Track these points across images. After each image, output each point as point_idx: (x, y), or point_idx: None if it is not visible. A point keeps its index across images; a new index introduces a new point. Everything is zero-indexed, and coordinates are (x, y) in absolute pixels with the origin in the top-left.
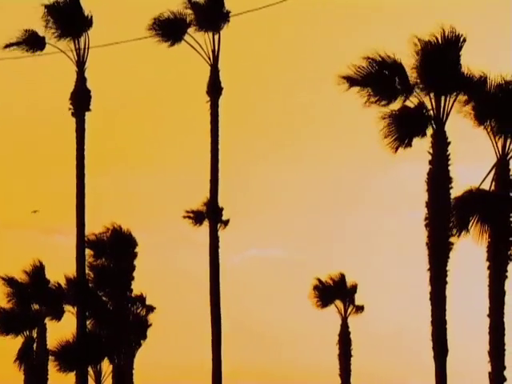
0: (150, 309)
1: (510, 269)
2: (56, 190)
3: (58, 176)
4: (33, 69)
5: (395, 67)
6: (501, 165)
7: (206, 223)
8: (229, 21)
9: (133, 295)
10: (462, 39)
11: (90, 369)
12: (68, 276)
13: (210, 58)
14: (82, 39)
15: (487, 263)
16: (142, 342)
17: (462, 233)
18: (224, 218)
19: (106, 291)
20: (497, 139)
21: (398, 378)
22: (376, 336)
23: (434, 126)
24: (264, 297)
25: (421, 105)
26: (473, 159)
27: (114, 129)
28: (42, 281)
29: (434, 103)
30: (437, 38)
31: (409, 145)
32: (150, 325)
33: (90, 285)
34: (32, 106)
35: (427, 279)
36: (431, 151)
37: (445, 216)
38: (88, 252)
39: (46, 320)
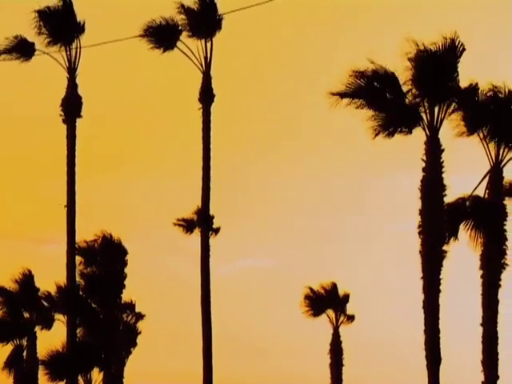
0: (140, 316)
1: (504, 277)
2: (46, 198)
3: (49, 184)
4: (23, 75)
5: (387, 78)
6: (494, 172)
7: (196, 231)
8: (221, 28)
9: (122, 302)
10: (461, 48)
11: (80, 377)
12: (58, 284)
13: (202, 65)
14: (73, 45)
15: (480, 272)
16: (131, 349)
17: (451, 239)
18: (215, 226)
19: (96, 299)
20: (490, 147)
21: None
22: (368, 345)
23: (428, 133)
24: (255, 306)
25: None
26: (467, 167)
27: (106, 136)
28: (32, 289)
29: (427, 110)
30: (436, 47)
31: (391, 134)
32: (140, 332)
33: (81, 293)
34: (22, 112)
35: (420, 288)
36: (425, 158)
37: (438, 224)
38: (78, 260)
39: (37, 329)
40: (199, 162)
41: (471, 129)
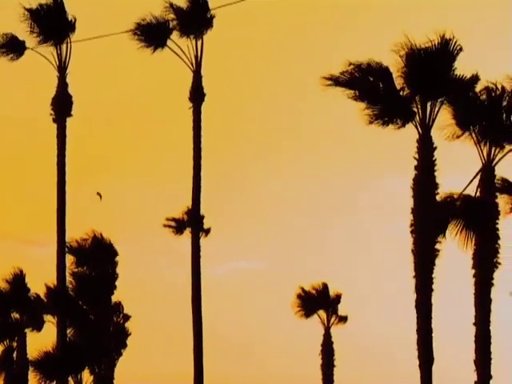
0: (126, 317)
1: (496, 276)
2: (37, 199)
3: (40, 185)
4: (13, 73)
5: (381, 72)
6: (486, 171)
7: (186, 232)
8: (212, 26)
9: (112, 304)
10: (457, 47)
11: (70, 378)
12: (48, 285)
13: (192, 64)
14: (63, 44)
15: (473, 271)
16: (122, 350)
17: (443, 239)
18: (205, 226)
19: (86, 300)
20: (482, 145)
21: None
22: (359, 346)
23: (420, 130)
24: (246, 307)
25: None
26: (458, 166)
27: (96, 135)
28: (23, 288)
29: (420, 108)
30: (429, 44)
31: (386, 124)
32: (130, 334)
33: (71, 293)
34: (12, 111)
35: (412, 288)
36: (417, 156)
37: (430, 222)
38: (69, 259)
39: (27, 331)
40: (190, 162)
41: (463, 127)
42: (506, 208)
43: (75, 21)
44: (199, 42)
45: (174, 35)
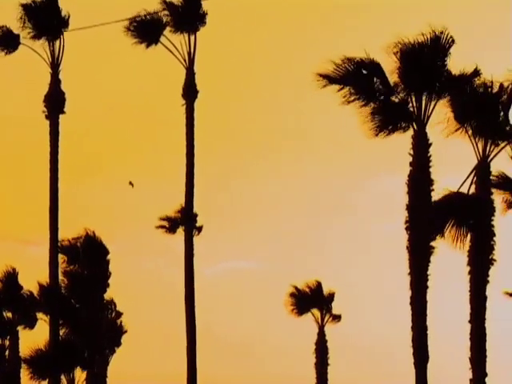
0: (118, 314)
1: (492, 273)
2: (30, 198)
3: (32, 183)
4: (5, 69)
5: (374, 67)
6: (481, 167)
7: (180, 230)
8: (205, 23)
9: (105, 302)
10: (450, 40)
11: (63, 377)
12: (41, 282)
13: (185, 61)
14: (57, 40)
15: (468, 268)
16: (116, 348)
17: (439, 237)
18: (198, 224)
19: (79, 298)
20: (477, 141)
21: None
22: (353, 344)
23: (415, 126)
24: (240, 307)
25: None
26: (454, 162)
27: (88, 133)
28: (15, 287)
29: (414, 104)
30: (422, 39)
31: (392, 131)
32: (125, 331)
33: (64, 291)
34: (4, 108)
35: (407, 286)
36: (412, 152)
37: (425, 219)
38: (62, 258)
39: (19, 329)
40: (183, 160)
41: (459, 123)
42: (501, 204)
43: (69, 17)
44: (192, 38)
45: (167, 31)
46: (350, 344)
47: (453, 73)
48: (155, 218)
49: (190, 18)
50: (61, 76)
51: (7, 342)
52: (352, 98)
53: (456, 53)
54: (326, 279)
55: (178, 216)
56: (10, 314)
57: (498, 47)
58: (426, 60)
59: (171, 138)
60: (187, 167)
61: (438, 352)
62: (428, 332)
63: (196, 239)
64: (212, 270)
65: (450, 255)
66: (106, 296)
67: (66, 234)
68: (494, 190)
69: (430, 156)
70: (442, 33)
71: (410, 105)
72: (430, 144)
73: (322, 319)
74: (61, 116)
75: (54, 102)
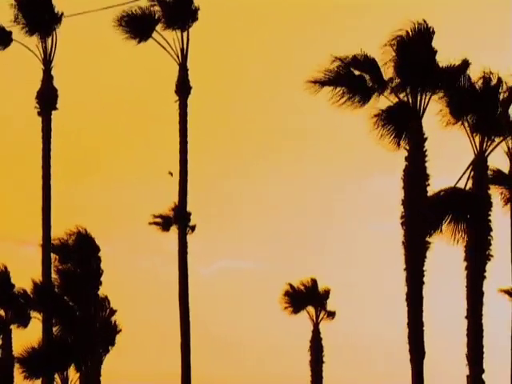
0: (112, 312)
1: (489, 269)
2: (23, 196)
3: (26, 181)
4: None
5: (367, 63)
6: (478, 162)
7: (174, 228)
8: (197, 18)
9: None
10: (431, 31)
11: (56, 376)
12: (34, 280)
13: (178, 57)
14: (49, 37)
15: (465, 263)
16: (110, 347)
17: (435, 233)
18: (191, 223)
19: (72, 296)
20: (474, 136)
21: None
22: (349, 341)
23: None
24: (235, 306)
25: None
26: (451, 157)
27: (81, 130)
28: (7, 284)
29: (410, 99)
30: (407, 32)
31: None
32: (120, 330)
33: (56, 290)
34: None
35: (402, 281)
36: (407, 147)
37: (421, 214)
38: (54, 257)
39: (13, 327)
40: (176, 156)
41: (455, 117)
42: (498, 200)
43: (62, 13)
44: (185, 34)
45: (160, 27)
46: (345, 341)
47: (442, 65)
48: (149, 216)
49: (182, 14)
50: (53, 72)
51: (0, 341)
52: (345, 98)
53: (454, 51)
54: (321, 278)
55: (172, 214)
56: (2, 313)
57: (496, 45)
58: (417, 52)
59: (164, 135)
60: (180, 164)
61: (435, 348)
62: (424, 328)
63: (191, 238)
64: (207, 269)
65: (446, 251)
66: (100, 294)
67: (60, 232)
68: (491, 186)
69: (426, 151)
70: (422, 24)
71: (405, 99)
72: (426, 138)
73: (317, 317)
74: (53, 112)
75: (47, 98)
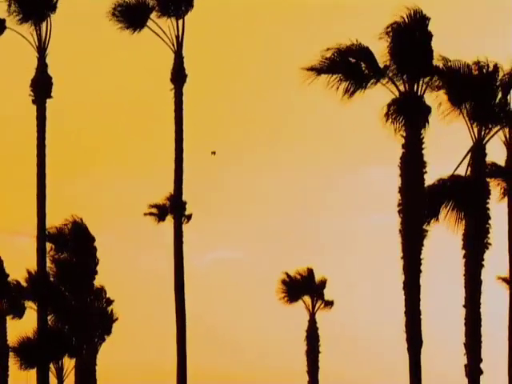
0: (109, 302)
1: (487, 257)
2: (17, 186)
3: (19, 170)
4: None
5: (362, 51)
6: (477, 149)
7: (169, 218)
8: (193, 6)
9: (94, 289)
10: (426, 18)
11: (51, 365)
12: (29, 270)
13: (173, 45)
14: (43, 24)
15: (463, 251)
16: (106, 337)
17: (432, 221)
18: (187, 213)
19: (67, 285)
20: (472, 123)
21: (367, 376)
22: (345, 331)
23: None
24: (230, 296)
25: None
26: (448, 145)
27: (75, 119)
28: (1, 273)
29: (406, 86)
30: (403, 18)
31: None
32: (117, 319)
33: (52, 279)
34: None
35: (399, 270)
36: (404, 134)
37: (418, 202)
38: (49, 246)
39: (8, 319)
40: (172, 145)
41: (454, 105)
42: (496, 192)
43: (56, 0)
44: (180, 22)
45: (154, 15)
46: (342, 331)
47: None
48: (145, 207)
49: (177, 1)
50: (48, 60)
51: None
52: (342, 86)
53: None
54: (318, 268)
55: (167, 203)
56: None
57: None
58: (413, 39)
59: (160, 124)
60: (176, 153)
61: (432, 337)
62: (421, 317)
63: (185, 229)
64: (201, 259)
65: (443, 239)
66: (96, 284)
67: (55, 222)
68: (487, 180)
69: (423, 138)
70: (417, 11)
71: (402, 87)
72: (423, 126)
73: (313, 306)
74: (48, 101)
75: (41, 86)
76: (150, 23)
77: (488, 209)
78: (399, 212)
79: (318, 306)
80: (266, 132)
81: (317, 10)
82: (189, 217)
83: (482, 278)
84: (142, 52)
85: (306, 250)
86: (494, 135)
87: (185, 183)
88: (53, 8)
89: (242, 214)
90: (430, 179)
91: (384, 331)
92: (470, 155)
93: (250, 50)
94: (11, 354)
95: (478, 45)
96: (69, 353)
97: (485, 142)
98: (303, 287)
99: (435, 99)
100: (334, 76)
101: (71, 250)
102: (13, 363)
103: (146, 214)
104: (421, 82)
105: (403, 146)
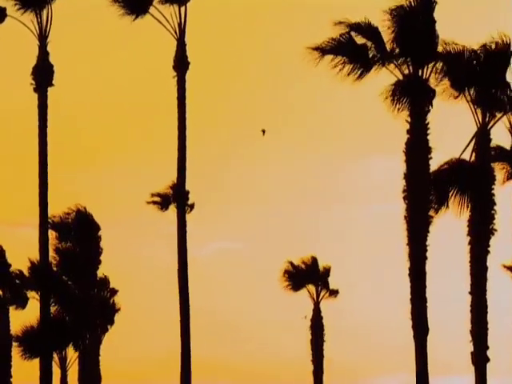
0: (113, 292)
1: (492, 243)
2: (18, 177)
3: (21, 160)
4: None
5: (370, 32)
6: (481, 134)
7: (172, 208)
8: None
9: (97, 279)
10: (432, 2)
11: (55, 355)
12: (31, 260)
13: (176, 32)
14: (44, 12)
15: (468, 238)
16: (108, 327)
17: (441, 209)
18: (190, 202)
19: (70, 275)
20: (476, 108)
21: (372, 365)
22: (350, 319)
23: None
24: (233, 286)
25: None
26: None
27: (77, 105)
28: (3, 263)
29: (411, 71)
30: (409, 1)
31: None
32: (119, 309)
33: (55, 269)
34: None
35: (404, 258)
36: (409, 120)
37: (424, 188)
38: (52, 234)
39: (11, 309)
40: (175, 133)
41: (458, 89)
42: (501, 176)
43: None
44: (182, 9)
45: (157, 1)
46: (346, 320)
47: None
48: (148, 196)
49: None
50: (49, 48)
51: None
52: (346, 68)
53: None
54: (320, 256)
55: (170, 192)
56: (0, 292)
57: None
58: (418, 23)
59: (162, 112)
60: (179, 141)
61: (438, 325)
62: (427, 304)
63: (188, 218)
64: (203, 250)
65: (449, 225)
66: (100, 273)
67: (58, 211)
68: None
69: (428, 123)
70: None
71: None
72: (428, 111)
73: (318, 295)
74: (49, 89)
75: (43, 74)
76: (152, 10)
77: (493, 195)
78: (404, 198)
79: (322, 294)
80: (269, 121)
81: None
82: (192, 206)
83: (487, 264)
84: (145, 39)
85: (309, 239)
86: (497, 121)
87: (188, 171)
88: None
89: (244, 202)
90: (434, 165)
91: (388, 319)
92: (474, 140)
93: (253, 37)
94: (14, 343)
95: (483, 30)
96: (72, 342)
97: (489, 127)
98: (307, 276)
99: (439, 85)
100: (339, 58)
101: (75, 238)
102: (16, 353)
103: (148, 203)
104: (425, 68)
105: (408, 132)
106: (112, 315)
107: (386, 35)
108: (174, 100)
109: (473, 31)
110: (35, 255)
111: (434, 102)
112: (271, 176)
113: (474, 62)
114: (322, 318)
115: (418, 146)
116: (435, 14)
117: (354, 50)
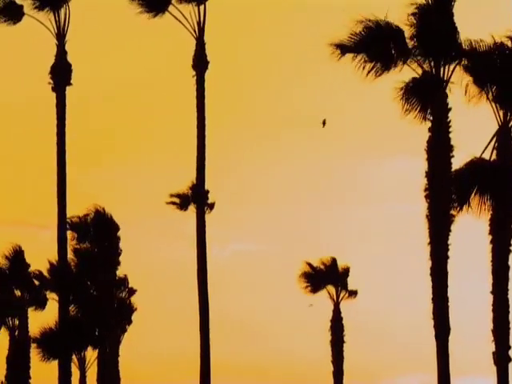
0: (132, 291)
1: None
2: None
3: (39, 158)
4: (10, 41)
5: (391, 30)
6: (502, 133)
7: (191, 209)
8: None
9: (116, 279)
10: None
11: (74, 356)
12: (50, 261)
13: (195, 31)
14: (62, 11)
15: (490, 237)
16: (127, 327)
17: (463, 208)
18: (209, 201)
19: (89, 275)
20: (498, 106)
21: (393, 365)
22: (370, 320)
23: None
24: (253, 287)
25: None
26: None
27: (95, 106)
28: (22, 264)
29: (433, 68)
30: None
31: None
32: (136, 309)
33: (74, 269)
34: (9, 80)
35: (424, 258)
36: (431, 118)
37: (445, 186)
38: (71, 235)
39: (30, 310)
40: (194, 132)
41: (479, 87)
42: None
43: None
44: (202, 8)
45: (175, 0)
46: (366, 320)
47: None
48: (167, 196)
49: None
50: (67, 47)
51: (17, 322)
52: (368, 66)
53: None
54: (339, 257)
55: (189, 192)
56: (18, 293)
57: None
58: (438, 21)
59: (181, 111)
60: (198, 141)
61: (460, 324)
62: (449, 304)
63: (207, 218)
64: (222, 251)
65: (470, 224)
66: (119, 273)
67: (76, 212)
68: None
69: (450, 121)
70: None
71: (428, 69)
72: (450, 109)
73: (338, 296)
74: (67, 88)
75: (61, 73)
76: (171, 8)
77: None
78: (426, 197)
79: (342, 295)
80: (290, 119)
81: None
82: (211, 205)
83: (509, 263)
84: (164, 38)
85: (328, 240)
86: None
87: (207, 171)
88: None
89: (263, 203)
90: (455, 162)
91: (408, 319)
92: (495, 139)
93: (273, 35)
94: (33, 345)
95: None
96: (91, 343)
97: (510, 125)
98: (326, 277)
99: (461, 83)
100: (360, 55)
101: (93, 239)
102: (34, 355)
103: (167, 203)
104: (447, 66)
105: (430, 130)
106: (129, 315)
107: (407, 32)
108: (193, 99)
109: (491, 28)
110: (54, 256)
111: (456, 100)
112: (290, 176)
113: (498, 60)
114: (341, 318)
115: (440, 145)
116: (457, 10)
117: (375, 47)
